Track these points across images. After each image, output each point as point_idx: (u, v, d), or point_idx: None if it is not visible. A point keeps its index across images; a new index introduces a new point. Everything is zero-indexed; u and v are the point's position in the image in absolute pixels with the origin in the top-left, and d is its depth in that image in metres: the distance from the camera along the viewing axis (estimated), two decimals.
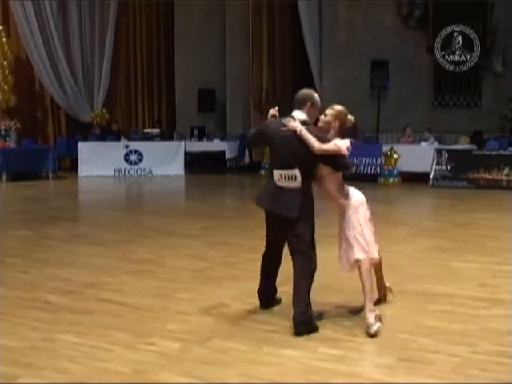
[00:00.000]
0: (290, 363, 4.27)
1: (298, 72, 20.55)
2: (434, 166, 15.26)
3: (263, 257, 5.50)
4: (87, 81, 20.56)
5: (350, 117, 5.22)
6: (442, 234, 9.32)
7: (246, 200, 14.60)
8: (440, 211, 12.48)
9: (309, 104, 5.12)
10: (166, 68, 22.53)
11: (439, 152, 15.36)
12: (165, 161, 18.36)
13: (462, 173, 14.89)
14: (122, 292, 6.06)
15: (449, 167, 15.11)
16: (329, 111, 5.19)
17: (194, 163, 19.48)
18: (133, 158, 18.29)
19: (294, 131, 4.97)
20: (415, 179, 15.61)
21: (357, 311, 5.31)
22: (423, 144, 16.30)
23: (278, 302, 5.52)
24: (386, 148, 15.98)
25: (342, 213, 5.20)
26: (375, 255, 5.15)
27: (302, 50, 19.85)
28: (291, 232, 5.07)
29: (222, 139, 19.97)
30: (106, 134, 19.74)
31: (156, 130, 19.63)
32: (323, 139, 4.99)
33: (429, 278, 6.51)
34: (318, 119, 5.25)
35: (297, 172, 4.97)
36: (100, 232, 9.67)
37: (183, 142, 18.97)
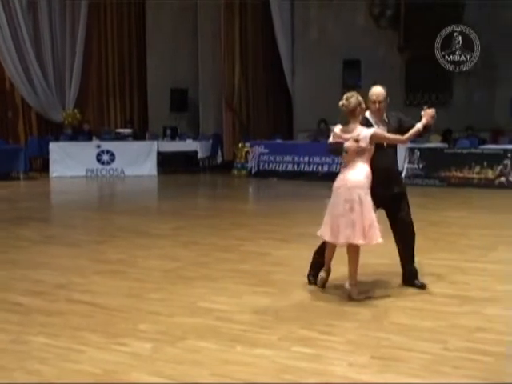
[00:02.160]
0: (264, 362, 4.26)
1: (271, 71, 20.57)
2: (405, 165, 15.32)
3: None
4: (58, 80, 20.36)
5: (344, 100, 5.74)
6: None
7: (218, 200, 14.58)
8: (412, 209, 12.49)
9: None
10: (138, 67, 22.36)
11: (411, 150, 15.43)
12: (137, 161, 18.27)
13: (434, 171, 14.99)
14: (93, 293, 6.01)
15: (420, 166, 15.19)
16: None
17: (167, 163, 19.38)
18: (105, 158, 18.17)
19: None
20: None
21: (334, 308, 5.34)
22: None
23: None
24: None
25: None
26: (323, 237, 5.83)
27: (274, 49, 19.87)
28: None
29: (195, 139, 19.92)
30: (78, 134, 19.56)
31: (128, 130, 19.51)
32: None
33: (400, 276, 6.53)
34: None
35: None
36: (71, 233, 9.61)
37: (156, 142, 18.91)
